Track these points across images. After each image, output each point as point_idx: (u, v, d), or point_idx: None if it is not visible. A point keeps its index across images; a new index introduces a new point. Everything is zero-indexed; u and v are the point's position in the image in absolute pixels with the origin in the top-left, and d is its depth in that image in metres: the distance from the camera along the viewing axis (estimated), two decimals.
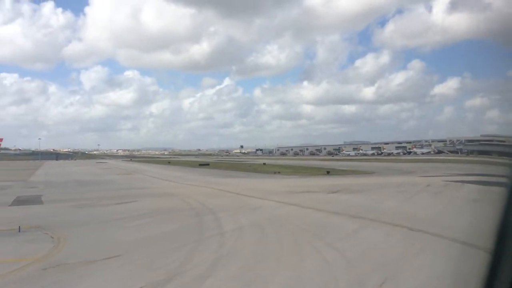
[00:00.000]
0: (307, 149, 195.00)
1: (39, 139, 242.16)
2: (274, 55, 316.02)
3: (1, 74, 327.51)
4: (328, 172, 42.03)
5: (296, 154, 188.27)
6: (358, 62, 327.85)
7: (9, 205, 19.68)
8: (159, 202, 20.36)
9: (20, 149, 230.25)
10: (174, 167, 67.46)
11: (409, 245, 10.12)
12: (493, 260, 2.41)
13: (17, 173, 52.48)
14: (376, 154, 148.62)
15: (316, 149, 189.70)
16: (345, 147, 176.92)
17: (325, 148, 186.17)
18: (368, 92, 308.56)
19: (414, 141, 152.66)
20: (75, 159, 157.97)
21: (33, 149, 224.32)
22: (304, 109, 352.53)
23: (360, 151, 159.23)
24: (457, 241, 10.13)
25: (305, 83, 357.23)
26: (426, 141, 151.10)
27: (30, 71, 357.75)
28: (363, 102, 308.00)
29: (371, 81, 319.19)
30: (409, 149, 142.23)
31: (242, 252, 9.67)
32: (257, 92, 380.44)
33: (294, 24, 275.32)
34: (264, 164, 66.99)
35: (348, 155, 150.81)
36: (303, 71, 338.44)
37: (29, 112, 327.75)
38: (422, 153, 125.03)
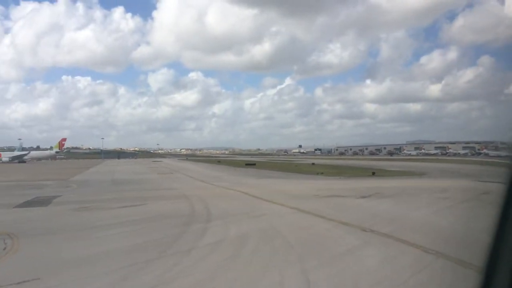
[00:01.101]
0: (366, 148, 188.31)
1: (102, 138, 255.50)
2: (336, 53, 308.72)
3: (76, 77, 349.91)
4: (373, 173, 38.71)
5: (355, 153, 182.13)
6: (423, 59, 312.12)
7: (14, 207, 19.00)
8: (165, 206, 18.86)
9: (90, 148, 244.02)
10: (220, 166, 66.57)
11: (408, 277, 7.58)
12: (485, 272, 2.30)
13: (66, 172, 54.02)
14: (440, 154, 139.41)
15: (376, 149, 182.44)
16: (406, 146, 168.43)
17: (385, 148, 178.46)
18: (434, 90, 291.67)
19: (483, 142, 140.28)
20: (136, 158, 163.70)
21: (102, 148, 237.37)
22: (366, 108, 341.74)
23: (422, 150, 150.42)
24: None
25: (368, 81, 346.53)
26: (503, 143, 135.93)
27: (101, 74, 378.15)
28: (428, 100, 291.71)
29: (438, 78, 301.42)
30: (479, 149, 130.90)
31: (187, 279, 7.66)
32: (318, 91, 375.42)
33: (358, 22, 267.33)
34: (313, 164, 64.24)
35: (409, 154, 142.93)
36: (366, 69, 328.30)
37: (100, 113, 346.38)
38: (500, 156, 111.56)
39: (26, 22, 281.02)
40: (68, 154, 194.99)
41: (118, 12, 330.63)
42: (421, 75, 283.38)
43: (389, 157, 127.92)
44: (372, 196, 21.03)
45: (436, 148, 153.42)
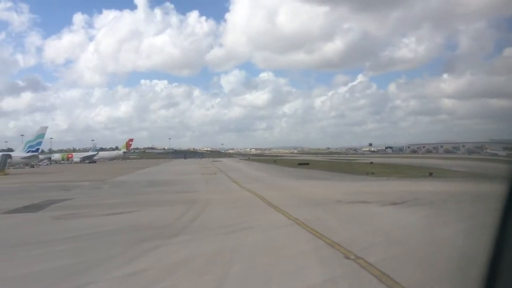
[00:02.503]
0: (441, 146, 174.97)
1: (169, 139, 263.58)
2: (411, 48, 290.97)
3: (153, 81, 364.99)
4: (430, 174, 33.94)
5: (428, 151, 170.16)
6: (507, 51, 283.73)
7: (3, 213, 17.85)
8: (155, 214, 16.79)
9: (164, 148, 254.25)
10: (271, 166, 64.04)
11: None
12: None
13: (118, 172, 54.83)
14: None
15: (452, 147, 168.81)
16: (489, 145, 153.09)
17: (463, 146, 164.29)
18: None
19: None
20: (201, 158, 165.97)
21: (172, 148, 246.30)
22: (443, 104, 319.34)
23: None
24: None
25: (445, 75, 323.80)
26: None
27: (177, 77, 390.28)
28: None
29: None
30: None
31: None
32: (391, 87, 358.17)
33: (434, 14, 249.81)
34: (371, 163, 59.63)
35: (495, 154, 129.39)
36: (443, 63, 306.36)
37: (176, 115, 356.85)
38: None
39: (108, 30, 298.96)
40: (142, 154, 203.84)
41: (193, 16, 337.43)
42: (506, 68, 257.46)
43: (467, 156, 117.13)
44: (405, 203, 17.32)
45: None
